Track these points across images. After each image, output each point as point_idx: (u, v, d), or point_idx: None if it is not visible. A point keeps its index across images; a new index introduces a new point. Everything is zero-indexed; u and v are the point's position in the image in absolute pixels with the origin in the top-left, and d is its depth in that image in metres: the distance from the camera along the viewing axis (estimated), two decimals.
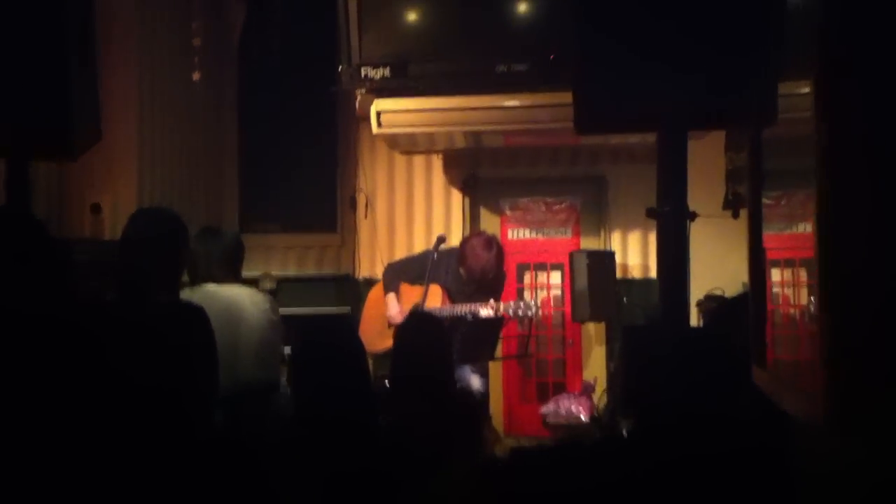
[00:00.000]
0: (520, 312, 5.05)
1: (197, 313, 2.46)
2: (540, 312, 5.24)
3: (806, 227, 2.31)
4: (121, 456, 2.05)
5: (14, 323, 2.00)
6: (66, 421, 1.97)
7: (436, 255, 5.24)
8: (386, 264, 5.89)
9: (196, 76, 5.79)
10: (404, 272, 5.49)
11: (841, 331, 1.90)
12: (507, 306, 5.06)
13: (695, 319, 5.06)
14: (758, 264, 2.99)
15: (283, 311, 4.03)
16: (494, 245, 5.19)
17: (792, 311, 3.09)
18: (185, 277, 3.59)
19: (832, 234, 1.95)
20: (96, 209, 5.41)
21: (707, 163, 5.05)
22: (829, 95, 1.98)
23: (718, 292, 5.44)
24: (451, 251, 5.33)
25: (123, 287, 2.62)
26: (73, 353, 2.04)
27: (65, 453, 1.95)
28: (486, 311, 5.00)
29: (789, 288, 3.13)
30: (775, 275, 3.28)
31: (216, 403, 2.62)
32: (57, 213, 5.17)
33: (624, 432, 5.01)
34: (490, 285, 5.20)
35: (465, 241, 5.34)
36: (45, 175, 4.83)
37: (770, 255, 3.25)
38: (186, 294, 3.55)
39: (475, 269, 5.10)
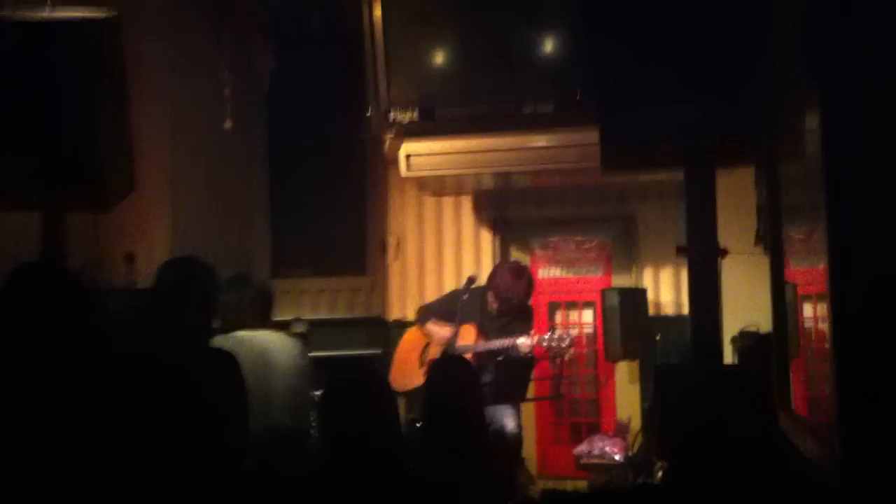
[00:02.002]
0: (554, 344, 5.07)
1: (228, 360, 2.47)
2: (572, 342, 5.24)
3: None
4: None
5: (47, 375, 2.02)
6: (100, 471, 1.98)
7: (466, 296, 5.28)
8: (418, 307, 5.92)
9: (227, 125, 5.87)
10: (436, 312, 5.55)
11: (852, 368, 1.88)
12: (541, 338, 5.08)
13: (729, 356, 4.99)
14: (780, 306, 2.96)
15: (315, 354, 4.04)
16: (525, 273, 5.30)
17: (826, 346, 3.05)
18: (217, 323, 3.62)
19: (841, 271, 1.94)
20: (130, 258, 5.48)
21: (738, 197, 5.01)
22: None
23: (753, 329, 5.36)
24: (481, 289, 5.35)
25: (155, 337, 2.64)
26: (106, 404, 2.05)
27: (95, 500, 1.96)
28: (522, 341, 5.01)
29: (823, 323, 3.09)
30: (807, 310, 3.25)
31: (247, 452, 2.63)
32: (92, 262, 5.24)
33: (659, 474, 4.95)
34: (522, 318, 5.24)
35: (495, 268, 5.47)
36: (80, 225, 4.90)
37: (802, 291, 3.22)
38: (218, 341, 3.57)
39: (502, 291, 5.17)
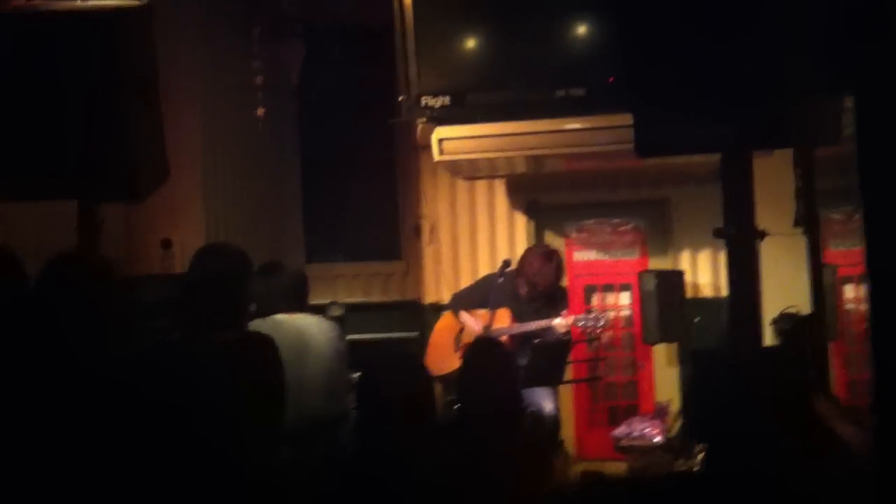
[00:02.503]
0: (590, 324, 5.12)
1: (265, 343, 2.48)
2: (608, 323, 5.32)
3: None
4: (197, 490, 2.07)
5: (85, 363, 2.03)
6: (137, 460, 1.99)
7: (501, 279, 5.30)
8: (451, 295, 5.92)
9: (259, 112, 5.89)
10: (468, 300, 5.60)
11: (890, 350, 1.85)
12: (576, 319, 5.15)
13: (769, 339, 4.94)
14: (817, 290, 2.91)
15: (351, 337, 4.05)
16: (554, 257, 5.36)
17: (866, 328, 3.00)
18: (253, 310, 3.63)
19: (878, 251, 1.90)
20: (167, 244, 5.52)
21: (776, 179, 4.94)
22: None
23: (794, 310, 5.30)
24: (514, 273, 5.36)
25: (190, 325, 2.65)
26: (146, 391, 2.06)
27: (136, 490, 1.97)
28: (557, 322, 5.07)
29: (864, 304, 3.04)
30: (849, 291, 3.20)
31: (284, 435, 2.63)
32: (126, 250, 5.29)
33: (698, 457, 4.91)
34: (555, 300, 5.29)
35: (524, 252, 5.52)
36: (114, 213, 4.95)
37: (842, 272, 3.17)
38: (255, 325, 3.58)
39: (531, 277, 5.26)
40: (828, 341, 2.88)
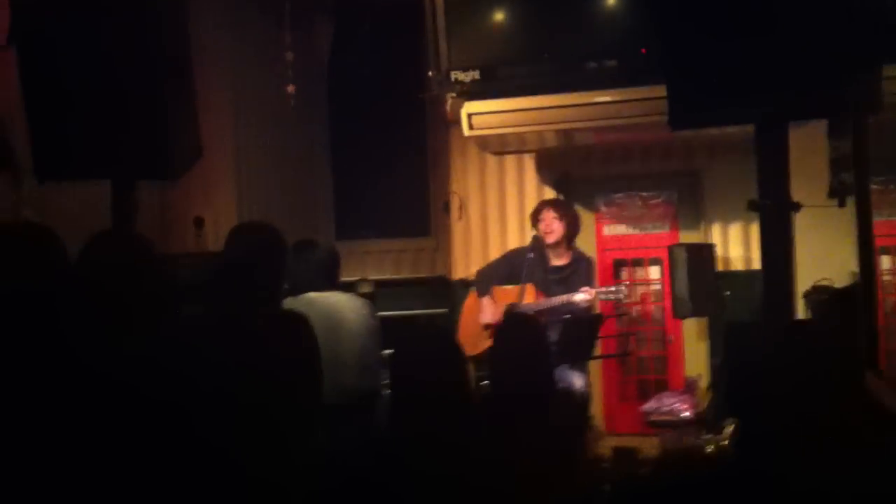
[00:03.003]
0: (611, 296, 5.15)
1: (300, 322, 2.49)
2: (630, 295, 5.37)
3: None
4: (233, 465, 2.09)
5: (127, 344, 2.06)
6: (172, 435, 2.02)
7: (532, 254, 5.31)
8: (475, 271, 5.93)
9: (290, 89, 5.90)
10: (493, 275, 5.60)
11: None
12: (599, 292, 5.17)
13: (802, 312, 4.91)
14: (867, 262, 2.88)
15: (381, 314, 4.07)
16: (561, 205, 5.49)
17: None
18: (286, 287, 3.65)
19: None
20: (199, 223, 5.57)
21: (809, 150, 4.88)
22: None
23: (827, 283, 5.26)
24: (540, 248, 5.39)
25: (226, 304, 2.68)
26: (189, 371, 2.09)
27: (170, 467, 2.00)
28: (580, 297, 5.08)
29: None
30: (885, 262, 3.17)
31: (320, 413, 2.66)
32: (159, 228, 5.34)
33: (728, 431, 4.90)
34: (579, 274, 5.32)
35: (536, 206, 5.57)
36: (148, 192, 5.00)
37: (879, 243, 3.13)
38: (288, 303, 3.61)
39: (540, 230, 5.35)
40: (875, 323, 2.85)
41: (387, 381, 2.84)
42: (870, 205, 2.97)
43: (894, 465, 1.93)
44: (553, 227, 5.33)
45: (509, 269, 5.50)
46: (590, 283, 5.29)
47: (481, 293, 5.55)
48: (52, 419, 1.80)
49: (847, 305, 2.74)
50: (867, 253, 2.94)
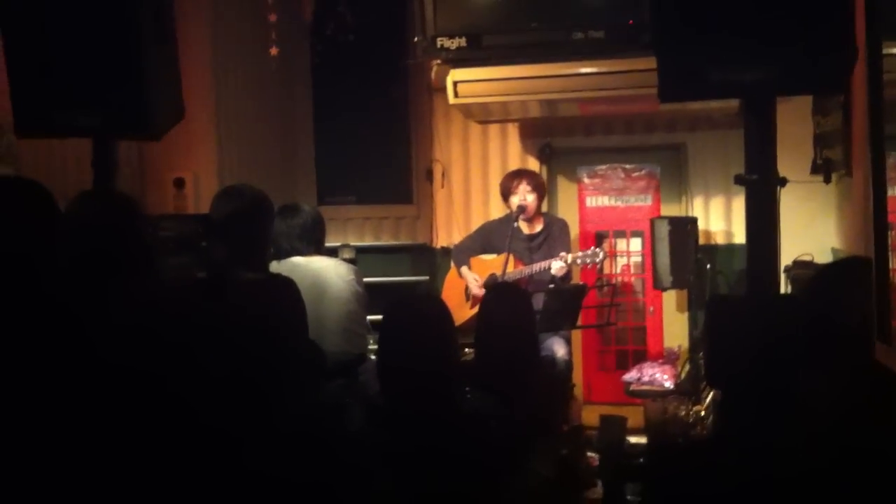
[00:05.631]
0: (588, 260, 5.16)
1: (286, 285, 2.48)
2: (606, 257, 5.37)
3: None
4: (217, 430, 2.08)
5: (107, 302, 2.04)
6: (159, 398, 2.00)
7: (517, 224, 5.33)
8: (454, 247, 5.94)
9: (272, 51, 5.83)
10: (470, 248, 5.66)
11: None
12: (575, 257, 5.17)
13: (783, 287, 4.95)
14: (881, 231, 2.88)
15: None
16: (525, 174, 5.57)
17: None
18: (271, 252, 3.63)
19: None
20: (180, 184, 5.51)
21: (793, 126, 4.91)
22: None
23: (807, 258, 5.31)
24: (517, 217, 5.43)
25: (211, 265, 2.66)
26: (169, 331, 2.07)
27: (157, 430, 1.99)
28: (557, 265, 5.10)
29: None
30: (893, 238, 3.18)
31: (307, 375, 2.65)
32: (139, 189, 5.29)
33: (706, 401, 4.95)
34: (557, 241, 5.38)
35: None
36: (126, 152, 4.93)
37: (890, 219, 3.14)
38: (273, 267, 3.60)
39: (506, 199, 5.43)
40: (888, 292, 2.86)
41: (373, 347, 2.83)
42: (884, 176, 2.96)
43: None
44: (528, 199, 5.35)
45: (486, 241, 5.55)
46: (566, 246, 5.33)
47: (459, 265, 5.58)
48: (40, 379, 1.78)
49: (841, 278, 2.74)
50: (881, 224, 2.94)
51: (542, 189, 5.57)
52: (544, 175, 6.53)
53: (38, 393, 1.74)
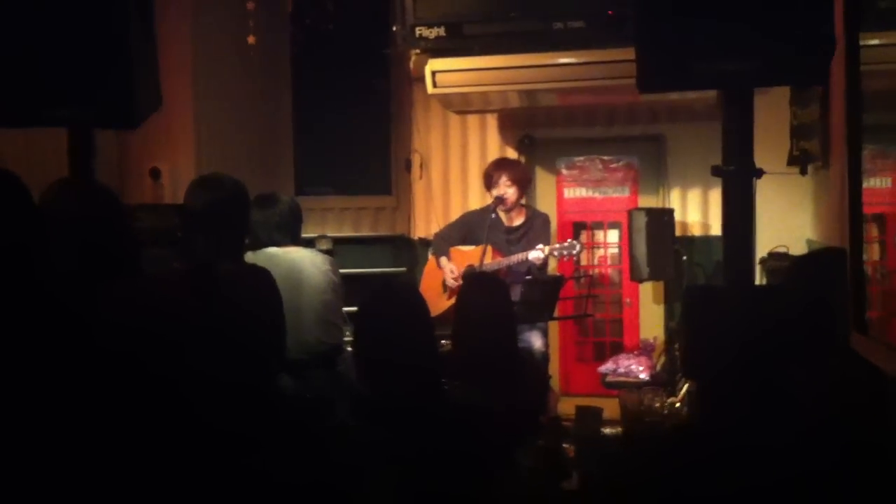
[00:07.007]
0: (564, 252, 5.18)
1: (263, 275, 2.46)
2: (583, 249, 5.42)
3: (887, 182, 2.24)
4: (195, 420, 2.07)
5: (87, 292, 2.02)
6: (140, 388, 1.99)
7: (494, 215, 5.34)
8: (433, 235, 5.93)
9: (251, 40, 5.79)
10: (450, 237, 5.65)
11: None
12: (552, 248, 5.18)
13: (759, 278, 4.98)
14: (857, 222, 2.90)
15: (341, 271, 4.04)
16: (506, 163, 5.62)
17: (880, 266, 3.01)
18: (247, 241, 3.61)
19: None
20: (156, 174, 5.47)
21: (770, 117, 4.93)
22: None
23: (783, 250, 5.35)
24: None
25: (189, 255, 2.64)
26: (146, 322, 2.06)
27: (139, 418, 1.98)
28: (535, 255, 5.11)
29: (876, 244, 3.05)
30: (873, 230, 3.19)
31: (284, 366, 2.64)
32: (116, 179, 5.24)
33: (682, 392, 4.98)
34: (536, 233, 5.39)
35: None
36: (103, 142, 4.89)
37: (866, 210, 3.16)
38: (249, 258, 3.58)
39: (489, 188, 5.45)
40: (865, 277, 2.89)
41: (349, 338, 2.82)
42: (860, 168, 2.98)
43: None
44: (507, 192, 5.35)
45: (466, 231, 5.55)
46: (546, 240, 5.34)
47: (438, 255, 5.58)
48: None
49: (817, 270, 2.76)
50: (856, 214, 2.96)
51: (524, 182, 5.54)
52: None
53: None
